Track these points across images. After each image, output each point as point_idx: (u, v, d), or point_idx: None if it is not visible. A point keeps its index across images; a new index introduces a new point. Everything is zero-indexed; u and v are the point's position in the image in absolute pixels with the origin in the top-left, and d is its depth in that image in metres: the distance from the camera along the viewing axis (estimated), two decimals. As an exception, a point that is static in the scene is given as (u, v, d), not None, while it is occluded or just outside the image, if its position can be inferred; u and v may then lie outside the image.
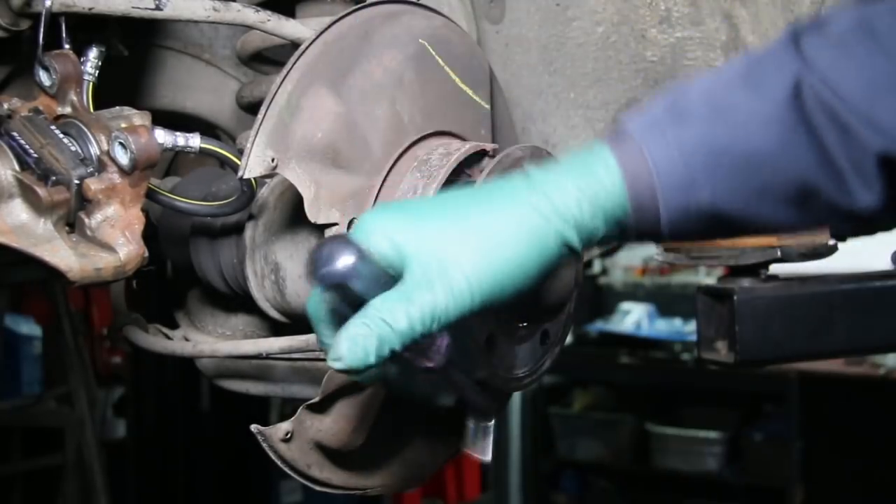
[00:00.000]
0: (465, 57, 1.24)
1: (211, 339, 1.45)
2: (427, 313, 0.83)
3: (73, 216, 1.01)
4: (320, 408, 1.12)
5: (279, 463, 1.12)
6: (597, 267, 5.80)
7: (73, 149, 1.03)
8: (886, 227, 0.99)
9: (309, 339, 1.19)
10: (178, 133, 1.10)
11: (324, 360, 0.87)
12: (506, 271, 0.86)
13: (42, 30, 1.06)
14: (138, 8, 1.11)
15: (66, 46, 1.09)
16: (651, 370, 5.23)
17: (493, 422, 0.98)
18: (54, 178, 1.00)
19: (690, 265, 4.43)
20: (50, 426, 3.90)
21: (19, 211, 0.99)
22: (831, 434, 4.75)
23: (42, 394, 4.10)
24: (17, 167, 1.00)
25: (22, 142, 1.01)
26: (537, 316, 1.16)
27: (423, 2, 1.24)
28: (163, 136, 1.08)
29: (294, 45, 1.22)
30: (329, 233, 1.09)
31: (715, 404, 5.14)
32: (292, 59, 1.08)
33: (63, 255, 0.99)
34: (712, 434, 5.00)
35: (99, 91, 1.12)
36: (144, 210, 1.09)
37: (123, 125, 1.04)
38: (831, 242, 1.55)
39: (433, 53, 1.18)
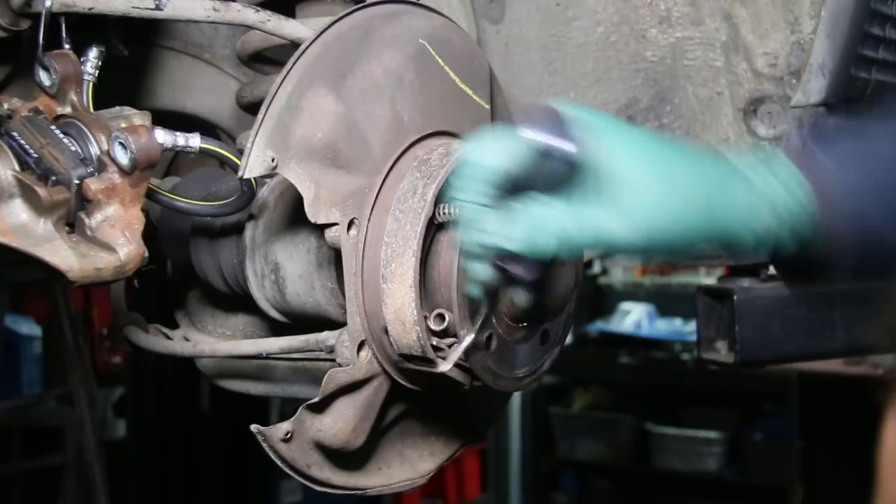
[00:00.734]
0: (465, 57, 1.24)
1: (211, 339, 1.46)
2: (612, 238, 0.90)
3: (73, 216, 1.01)
4: (320, 408, 1.12)
5: (279, 463, 1.11)
6: (597, 267, 5.80)
7: (73, 149, 1.03)
8: None
9: (309, 339, 1.18)
10: (178, 133, 1.10)
11: (324, 360, 0.86)
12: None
13: (42, 30, 1.06)
14: (138, 8, 1.11)
15: (66, 46, 1.09)
16: (651, 370, 5.23)
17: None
18: (54, 178, 1.00)
19: (690, 265, 4.43)
20: (50, 426, 3.89)
21: (19, 211, 0.99)
22: (831, 434, 4.75)
23: (42, 394, 4.10)
24: (17, 167, 1.00)
25: (22, 142, 1.01)
26: (537, 316, 1.16)
27: (424, 2, 1.24)
28: (163, 136, 1.08)
29: (294, 45, 1.22)
30: (329, 233, 1.09)
31: (715, 404, 5.14)
32: (292, 59, 1.08)
33: (63, 254, 0.98)
34: (712, 434, 5.01)
35: (99, 91, 1.12)
36: (144, 210, 1.09)
37: (123, 125, 1.04)
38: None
39: (433, 53, 1.18)
